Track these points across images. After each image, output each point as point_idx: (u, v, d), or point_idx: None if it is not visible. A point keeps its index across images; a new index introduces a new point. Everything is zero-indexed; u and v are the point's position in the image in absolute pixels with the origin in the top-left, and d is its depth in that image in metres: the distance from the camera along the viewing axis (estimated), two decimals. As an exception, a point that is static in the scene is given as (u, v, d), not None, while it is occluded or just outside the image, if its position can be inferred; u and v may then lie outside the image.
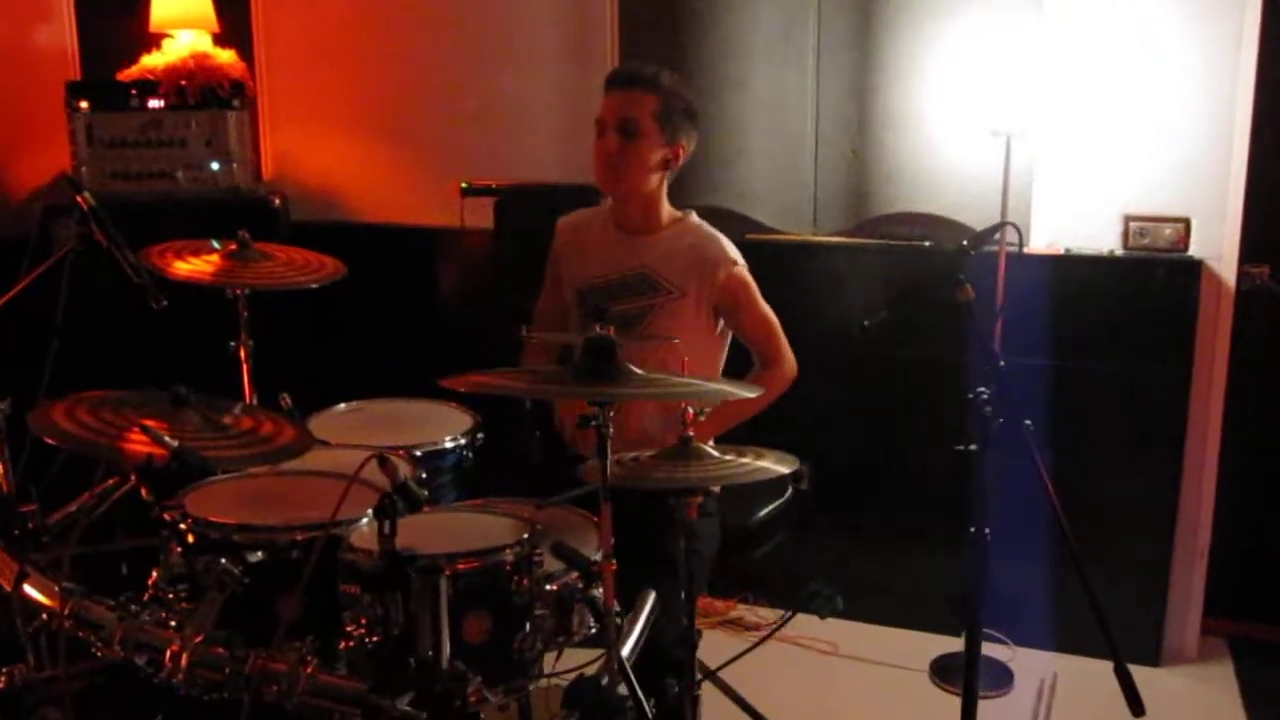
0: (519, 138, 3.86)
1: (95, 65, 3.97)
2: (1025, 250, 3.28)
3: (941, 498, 2.89)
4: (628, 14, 3.69)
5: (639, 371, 1.76)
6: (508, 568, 1.82)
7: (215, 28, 3.82)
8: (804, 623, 3.55)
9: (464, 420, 2.70)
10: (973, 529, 2.15)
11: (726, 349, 2.76)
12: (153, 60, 3.67)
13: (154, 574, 1.94)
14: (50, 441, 2.15)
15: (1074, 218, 3.35)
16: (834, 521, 3.62)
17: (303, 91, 4.12)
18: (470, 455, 2.65)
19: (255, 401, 2.99)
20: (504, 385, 1.77)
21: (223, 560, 1.76)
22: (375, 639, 1.73)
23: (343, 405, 3.00)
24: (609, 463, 1.96)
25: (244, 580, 1.77)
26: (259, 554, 1.89)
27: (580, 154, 3.32)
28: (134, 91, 3.61)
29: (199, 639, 1.68)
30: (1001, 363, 2.09)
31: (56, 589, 1.85)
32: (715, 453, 2.04)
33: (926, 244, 3.47)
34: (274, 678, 1.61)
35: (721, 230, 2.75)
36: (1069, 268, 3.34)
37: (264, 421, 2.28)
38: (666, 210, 2.69)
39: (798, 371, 2.72)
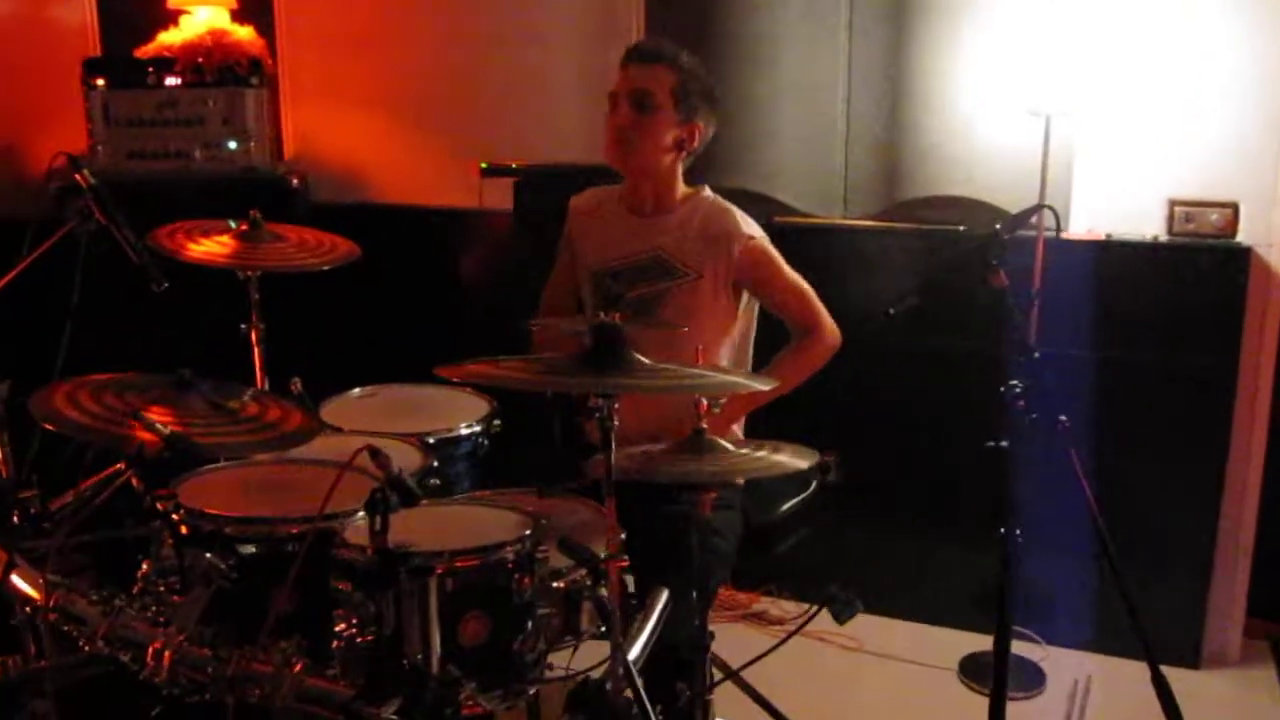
0: (541, 117, 3.77)
1: (116, 42, 3.92)
2: (1064, 235, 3.16)
3: (974, 492, 2.77)
4: (654, -10, 3.59)
5: (646, 361, 1.66)
6: (509, 565, 1.73)
7: (234, 3, 3.75)
8: (828, 617, 3.46)
9: (480, 406, 2.63)
10: (1002, 529, 2.04)
11: (754, 326, 2.66)
12: (170, 37, 3.61)
13: (144, 566, 1.88)
14: (48, 427, 2.11)
15: (1116, 202, 3.21)
16: (862, 514, 3.52)
17: (324, 69, 4.05)
18: (485, 443, 2.58)
19: (266, 386, 2.93)
20: (500, 376, 1.68)
21: (208, 555, 1.68)
22: (367, 638, 1.65)
23: (357, 390, 2.94)
24: (619, 454, 1.88)
25: (231, 575, 1.70)
26: (253, 547, 1.82)
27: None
28: (151, 69, 3.55)
29: (182, 637, 1.60)
30: (1036, 354, 1.97)
31: (41, 580, 1.79)
32: (730, 446, 1.94)
33: (960, 229, 3.34)
34: (257, 680, 1.53)
35: (749, 213, 2.64)
36: (1110, 254, 3.20)
37: (271, 407, 2.21)
38: (680, 191, 2.59)
39: (840, 338, 2.60)
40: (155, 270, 2.28)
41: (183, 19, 3.67)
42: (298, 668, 1.54)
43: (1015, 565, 2.04)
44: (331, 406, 2.77)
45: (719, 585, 2.51)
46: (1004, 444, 2.00)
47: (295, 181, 3.70)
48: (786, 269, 2.56)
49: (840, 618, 1.83)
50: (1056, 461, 2.00)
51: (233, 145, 3.60)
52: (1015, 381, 1.99)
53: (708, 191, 2.61)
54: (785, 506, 2.67)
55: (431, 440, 2.48)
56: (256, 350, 2.92)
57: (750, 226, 2.55)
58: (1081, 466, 1.94)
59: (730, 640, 2.08)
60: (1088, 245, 3.21)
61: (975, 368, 3.17)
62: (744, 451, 1.94)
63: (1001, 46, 3.17)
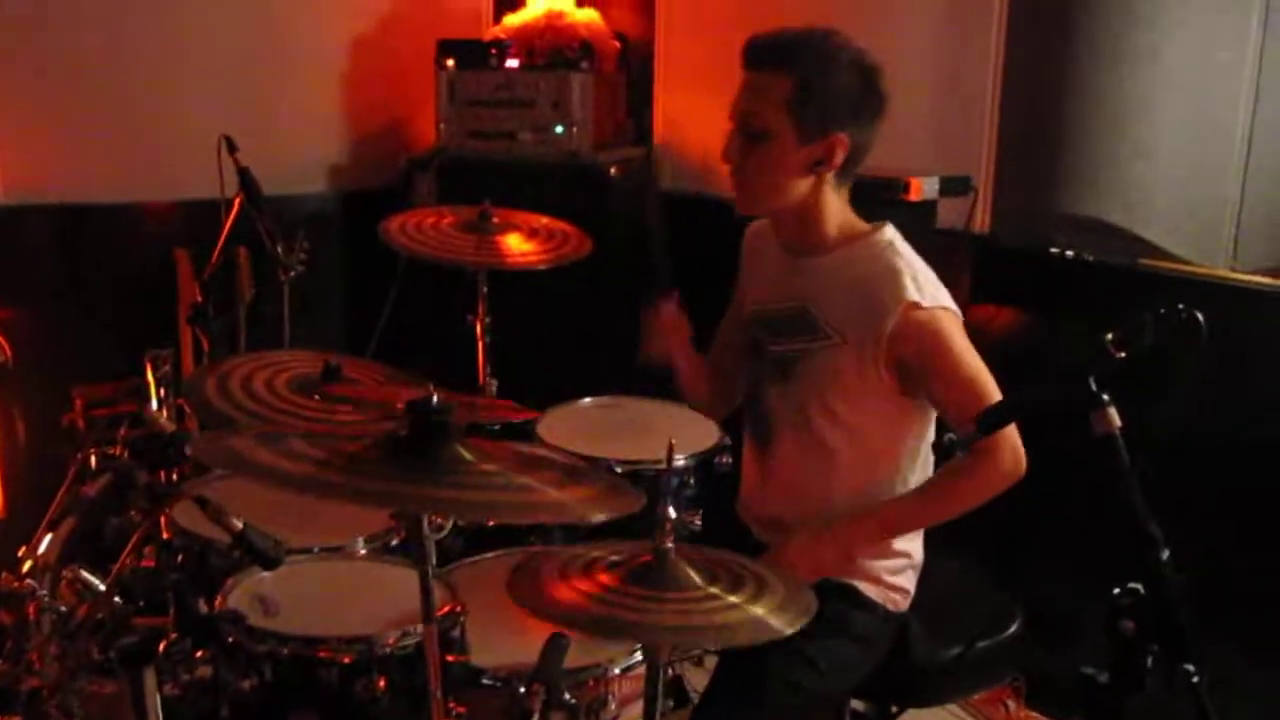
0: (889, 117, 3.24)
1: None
2: None
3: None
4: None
5: (469, 457, 1.25)
6: (348, 663, 1.44)
7: (576, -16, 3.67)
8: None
9: (707, 437, 2.45)
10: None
11: (932, 415, 2.00)
12: (513, 19, 3.61)
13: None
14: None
15: None
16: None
17: (697, 57, 3.86)
18: (692, 481, 2.39)
19: (494, 384, 2.87)
20: (257, 465, 1.29)
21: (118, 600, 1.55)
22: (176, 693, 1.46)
23: (589, 400, 2.79)
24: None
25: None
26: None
27: (958, 140, 3.00)
28: (494, 50, 3.57)
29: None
30: (1166, 552, 1.24)
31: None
32: (699, 579, 1.46)
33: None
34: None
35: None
36: None
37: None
38: (838, 222, 1.97)
39: (1024, 466, 1.89)
40: (286, 260, 2.24)
41: (530, 1, 3.65)
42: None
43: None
44: (551, 417, 2.64)
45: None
46: (1102, 679, 1.29)
47: (613, 171, 3.54)
48: (966, 356, 1.87)
49: None
50: None
51: (559, 130, 3.52)
52: (1135, 586, 1.27)
53: (887, 234, 1.98)
54: (957, 651, 2.02)
55: (619, 469, 2.31)
56: (480, 344, 2.84)
57: (924, 293, 1.88)
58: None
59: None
60: None
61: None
62: (715, 591, 1.44)
63: None
